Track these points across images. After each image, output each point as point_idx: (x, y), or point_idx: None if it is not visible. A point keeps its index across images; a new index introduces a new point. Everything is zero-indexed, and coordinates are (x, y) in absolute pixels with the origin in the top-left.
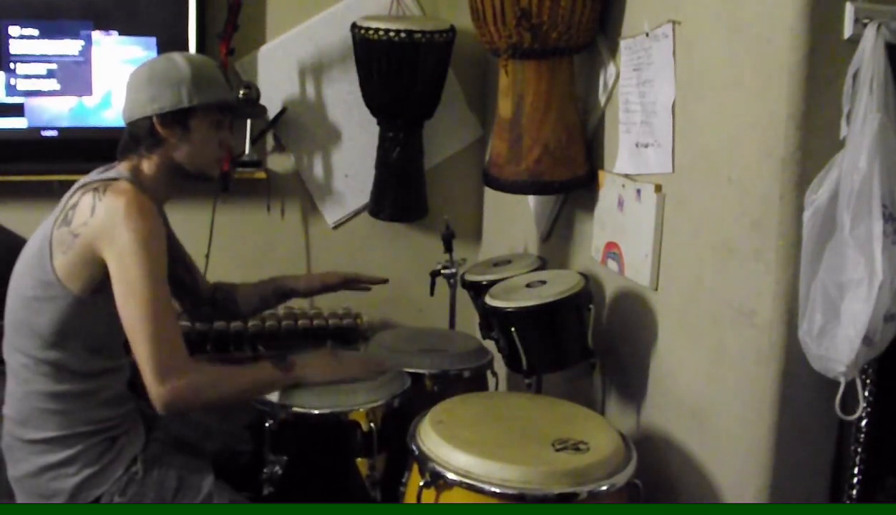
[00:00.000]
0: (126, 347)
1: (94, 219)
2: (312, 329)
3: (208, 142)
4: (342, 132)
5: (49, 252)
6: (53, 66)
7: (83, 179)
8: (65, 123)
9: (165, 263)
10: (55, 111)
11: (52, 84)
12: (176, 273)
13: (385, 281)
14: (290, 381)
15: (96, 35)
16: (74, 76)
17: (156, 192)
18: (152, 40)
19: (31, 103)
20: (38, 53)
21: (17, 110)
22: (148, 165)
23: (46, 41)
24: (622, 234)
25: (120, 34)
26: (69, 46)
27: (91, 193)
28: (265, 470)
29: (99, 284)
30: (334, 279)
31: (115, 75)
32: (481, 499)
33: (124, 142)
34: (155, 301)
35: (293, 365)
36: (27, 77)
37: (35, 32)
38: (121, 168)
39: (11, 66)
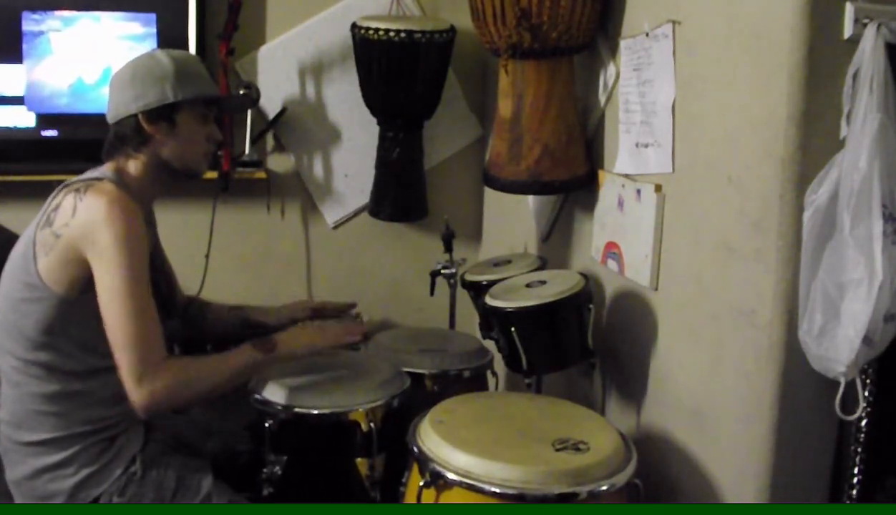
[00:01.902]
0: None
1: (75, 220)
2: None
3: (195, 136)
4: (342, 132)
5: (33, 254)
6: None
7: (68, 181)
8: (64, 100)
9: (146, 264)
10: (55, 87)
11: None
12: (156, 281)
13: (354, 305)
14: (273, 360)
15: (96, 13)
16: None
17: (142, 193)
18: (152, 16)
19: (30, 80)
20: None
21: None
22: (134, 165)
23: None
24: (622, 234)
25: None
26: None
27: (73, 194)
28: (265, 470)
29: (84, 284)
30: (303, 312)
31: (115, 51)
32: (481, 499)
33: (109, 142)
34: (135, 301)
35: (275, 344)
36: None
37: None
38: (104, 169)
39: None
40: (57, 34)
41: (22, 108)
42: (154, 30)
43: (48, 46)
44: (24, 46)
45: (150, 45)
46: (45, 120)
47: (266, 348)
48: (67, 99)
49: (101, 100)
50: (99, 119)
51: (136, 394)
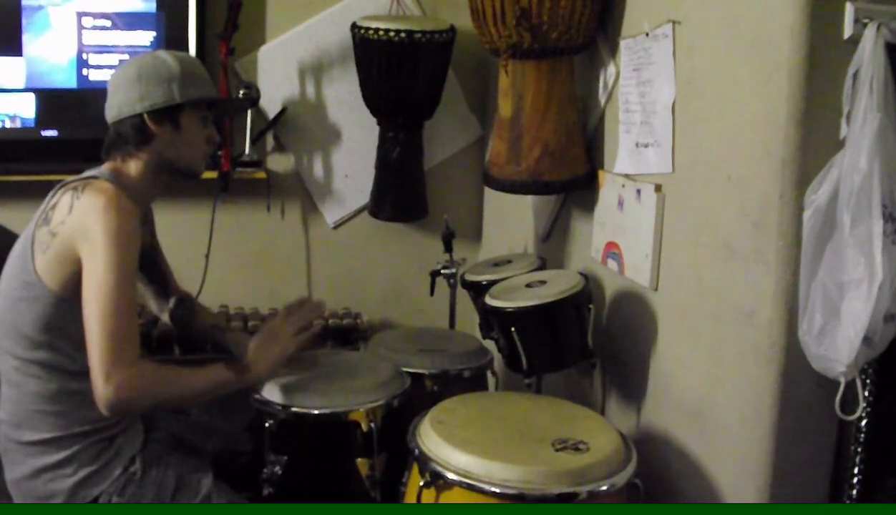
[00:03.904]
0: None
1: (71, 218)
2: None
3: (197, 138)
4: (342, 132)
5: (31, 252)
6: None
7: (66, 180)
8: (62, 76)
9: (135, 263)
10: (54, 63)
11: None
12: (151, 279)
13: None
14: (244, 382)
15: None
16: None
17: (140, 192)
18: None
19: (29, 55)
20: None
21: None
22: (134, 165)
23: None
24: (622, 234)
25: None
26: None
27: (70, 192)
28: (265, 470)
29: (79, 282)
30: None
31: (114, 26)
32: (481, 499)
33: (110, 141)
34: (116, 297)
35: (247, 367)
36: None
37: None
38: (103, 168)
39: (84, 56)
40: (56, 9)
41: (23, 101)
42: (154, 6)
43: (47, 21)
44: (24, 21)
45: (149, 21)
46: (45, 114)
47: (238, 369)
48: (67, 74)
49: (100, 78)
50: (98, 105)
51: (103, 390)
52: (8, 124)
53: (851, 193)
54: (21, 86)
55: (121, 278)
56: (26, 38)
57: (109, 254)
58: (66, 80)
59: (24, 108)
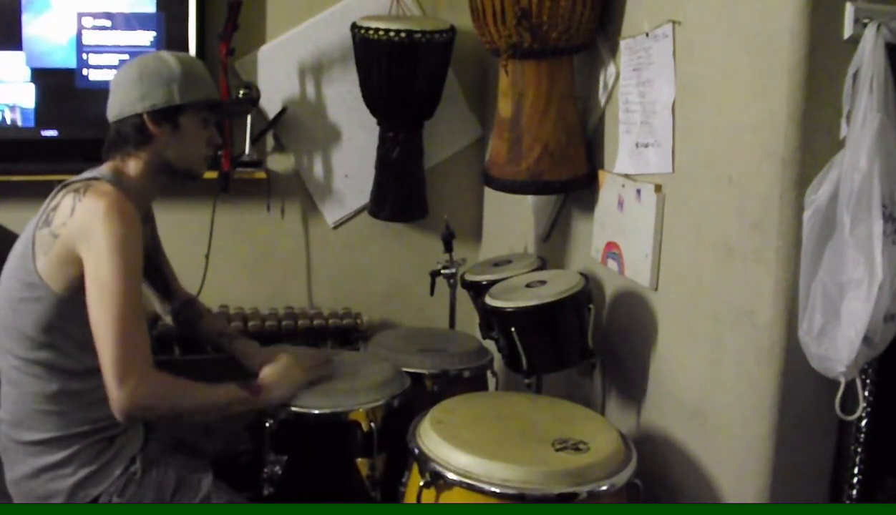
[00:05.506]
0: None
1: (73, 220)
2: (312, 329)
3: (196, 139)
4: (342, 132)
5: (32, 253)
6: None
7: (66, 181)
8: (62, 55)
9: (140, 267)
10: (53, 42)
11: None
12: (152, 279)
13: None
14: (258, 404)
15: None
16: None
17: (140, 193)
18: None
19: (27, 34)
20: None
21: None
22: (134, 165)
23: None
24: (622, 234)
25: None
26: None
27: (72, 194)
28: (265, 470)
29: (81, 283)
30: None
31: (115, 7)
32: (481, 499)
33: (110, 140)
34: (125, 303)
35: (259, 389)
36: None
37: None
38: (103, 169)
39: (84, 56)
40: None
41: (22, 92)
42: (154, 6)
43: (47, 1)
44: (23, 1)
45: (149, 21)
46: (44, 104)
47: (251, 390)
48: (66, 53)
49: (100, 78)
50: (98, 105)
51: (117, 394)
52: (8, 115)
53: (851, 193)
54: (21, 78)
55: (127, 282)
56: (26, 18)
57: (114, 258)
58: (65, 59)
59: (24, 99)
